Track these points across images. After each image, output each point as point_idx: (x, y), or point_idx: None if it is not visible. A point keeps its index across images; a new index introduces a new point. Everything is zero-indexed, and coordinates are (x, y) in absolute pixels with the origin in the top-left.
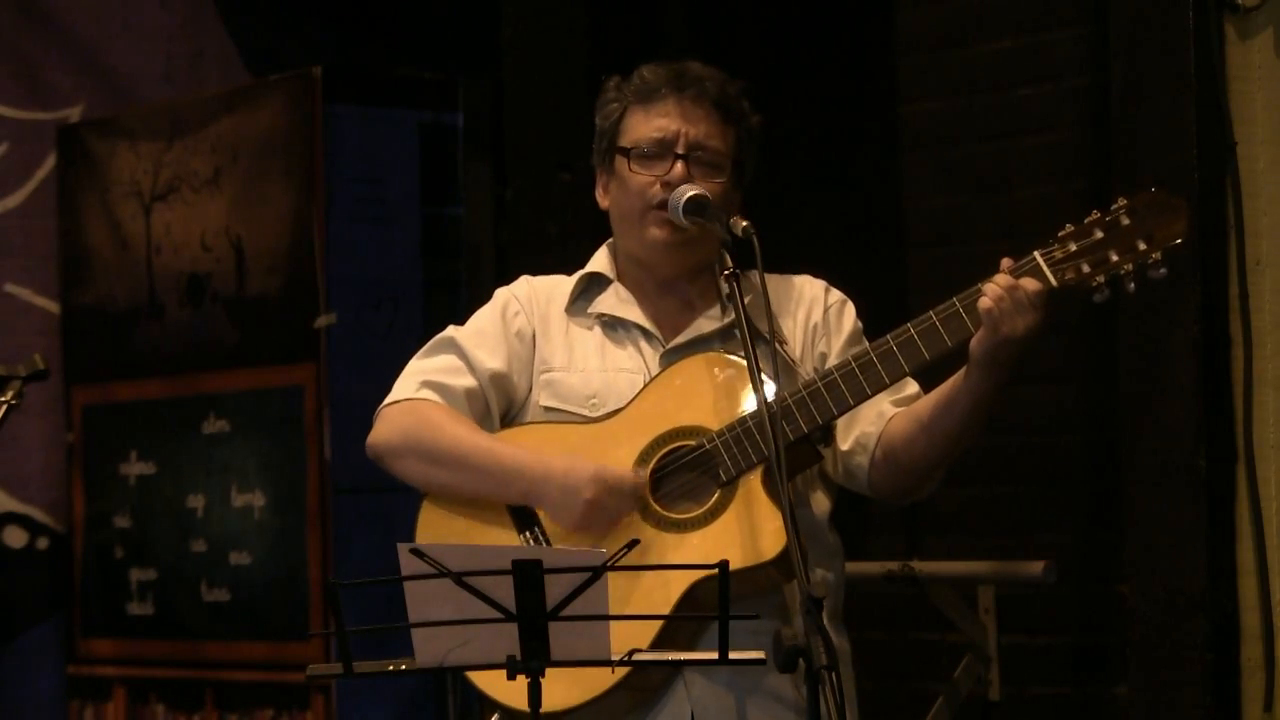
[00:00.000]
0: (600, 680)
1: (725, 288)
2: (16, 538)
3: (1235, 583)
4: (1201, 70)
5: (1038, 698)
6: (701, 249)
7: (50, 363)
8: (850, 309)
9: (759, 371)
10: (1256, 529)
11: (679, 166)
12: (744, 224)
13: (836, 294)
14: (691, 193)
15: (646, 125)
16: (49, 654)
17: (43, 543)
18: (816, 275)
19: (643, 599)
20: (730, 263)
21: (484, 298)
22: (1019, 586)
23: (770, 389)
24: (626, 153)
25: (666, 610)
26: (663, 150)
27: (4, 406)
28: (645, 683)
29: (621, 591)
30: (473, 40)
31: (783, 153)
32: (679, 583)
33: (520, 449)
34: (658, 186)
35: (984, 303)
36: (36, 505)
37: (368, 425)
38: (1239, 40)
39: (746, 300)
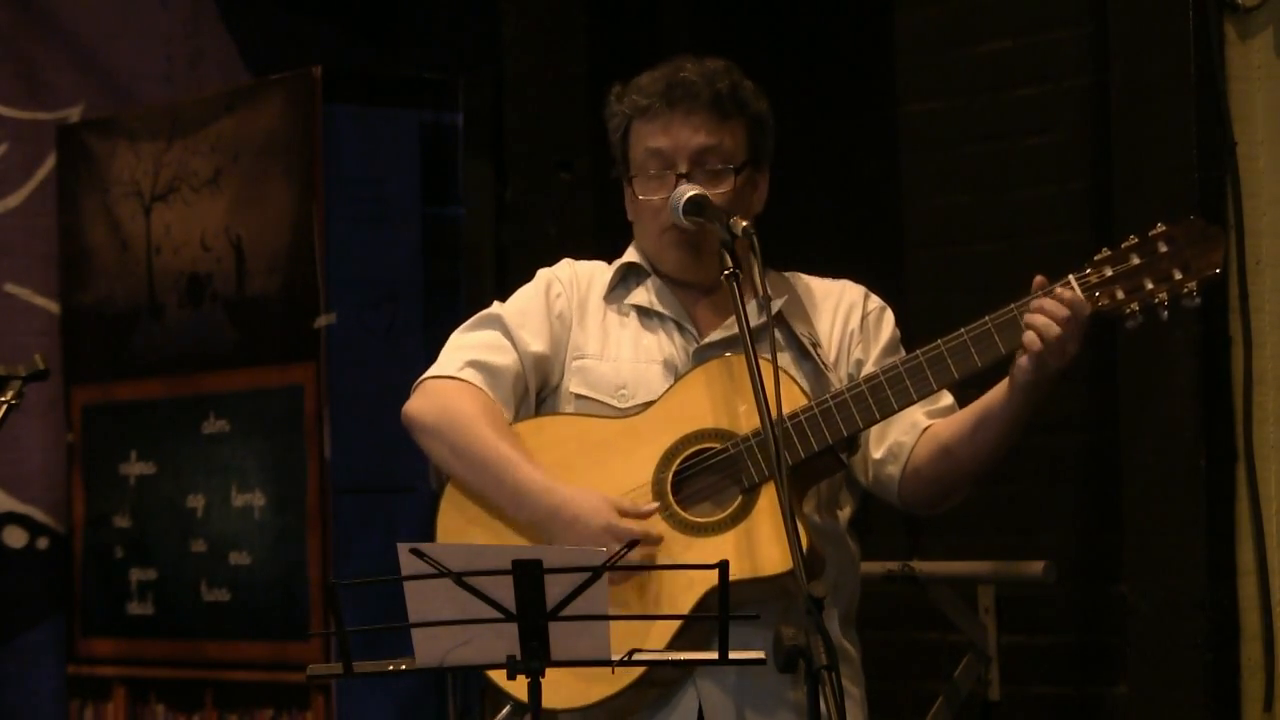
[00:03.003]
0: (616, 679)
1: (726, 285)
2: (16, 538)
3: (1235, 583)
4: (1201, 70)
5: (1038, 698)
6: (708, 254)
7: (50, 363)
8: (889, 316)
9: (759, 376)
10: (1256, 529)
11: (682, 186)
12: (744, 224)
13: (876, 300)
14: (690, 193)
15: (646, 144)
16: (49, 654)
17: (43, 543)
18: (816, 275)
19: (668, 602)
20: (730, 263)
21: (484, 298)
22: (1019, 586)
23: (781, 388)
24: (626, 175)
25: (685, 614)
26: (665, 168)
27: (4, 406)
28: (659, 678)
29: (643, 594)
30: (473, 40)
31: (783, 153)
32: (699, 585)
33: (540, 471)
34: (667, 210)
35: (1029, 336)
36: (36, 505)
37: (368, 425)
38: (1239, 40)
39: (783, 300)
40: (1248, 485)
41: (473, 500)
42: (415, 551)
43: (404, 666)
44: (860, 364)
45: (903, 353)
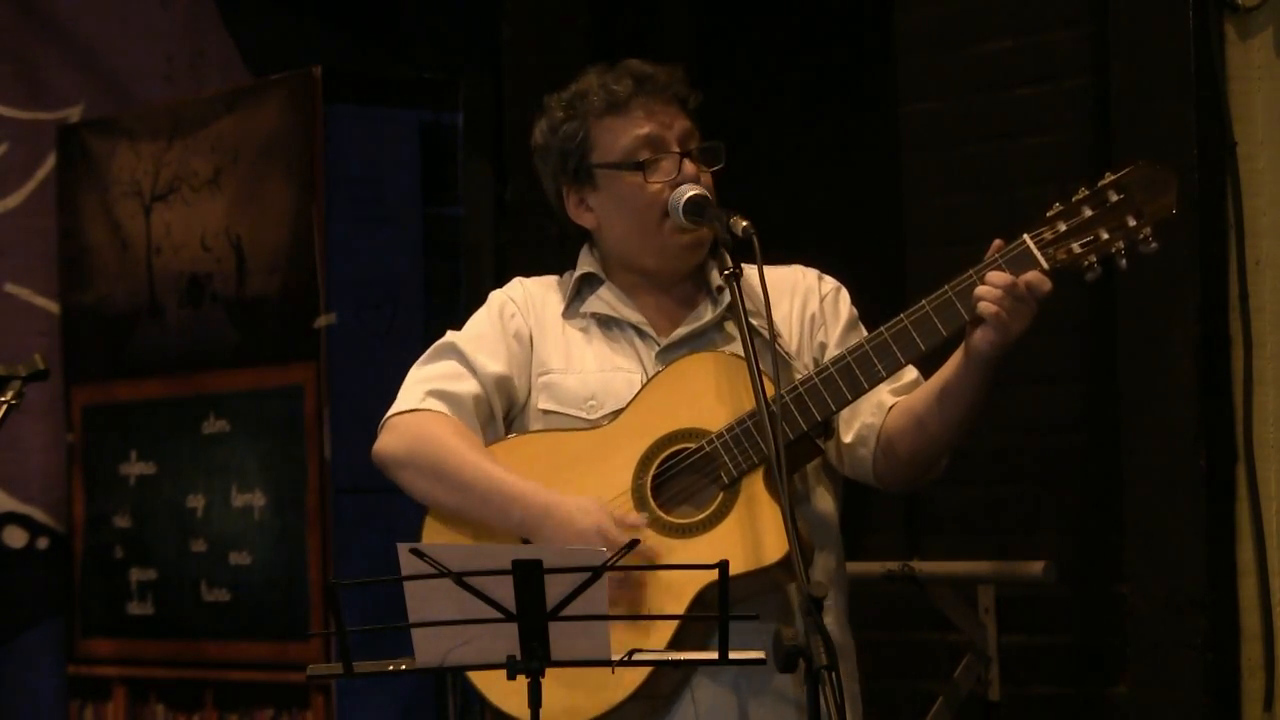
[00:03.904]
0: (614, 691)
1: (724, 286)
2: (16, 538)
3: (1235, 583)
4: (1201, 70)
5: (1038, 698)
6: (706, 246)
7: (50, 363)
8: (845, 296)
9: (759, 370)
10: (1256, 529)
11: (686, 164)
12: (744, 224)
13: (830, 282)
14: (691, 193)
15: (630, 135)
16: (49, 654)
17: (43, 543)
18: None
19: (656, 607)
20: (730, 262)
21: (484, 298)
22: (1019, 586)
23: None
24: (631, 166)
25: (684, 614)
26: (658, 153)
27: (4, 406)
28: (656, 690)
29: (632, 600)
30: (473, 40)
31: (783, 153)
32: (690, 587)
33: (524, 479)
34: (669, 191)
35: (986, 307)
36: (36, 505)
37: (368, 425)
38: (1239, 40)
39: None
40: (1248, 485)
41: (452, 527)
42: (415, 551)
43: (404, 666)
44: (824, 347)
45: (862, 330)
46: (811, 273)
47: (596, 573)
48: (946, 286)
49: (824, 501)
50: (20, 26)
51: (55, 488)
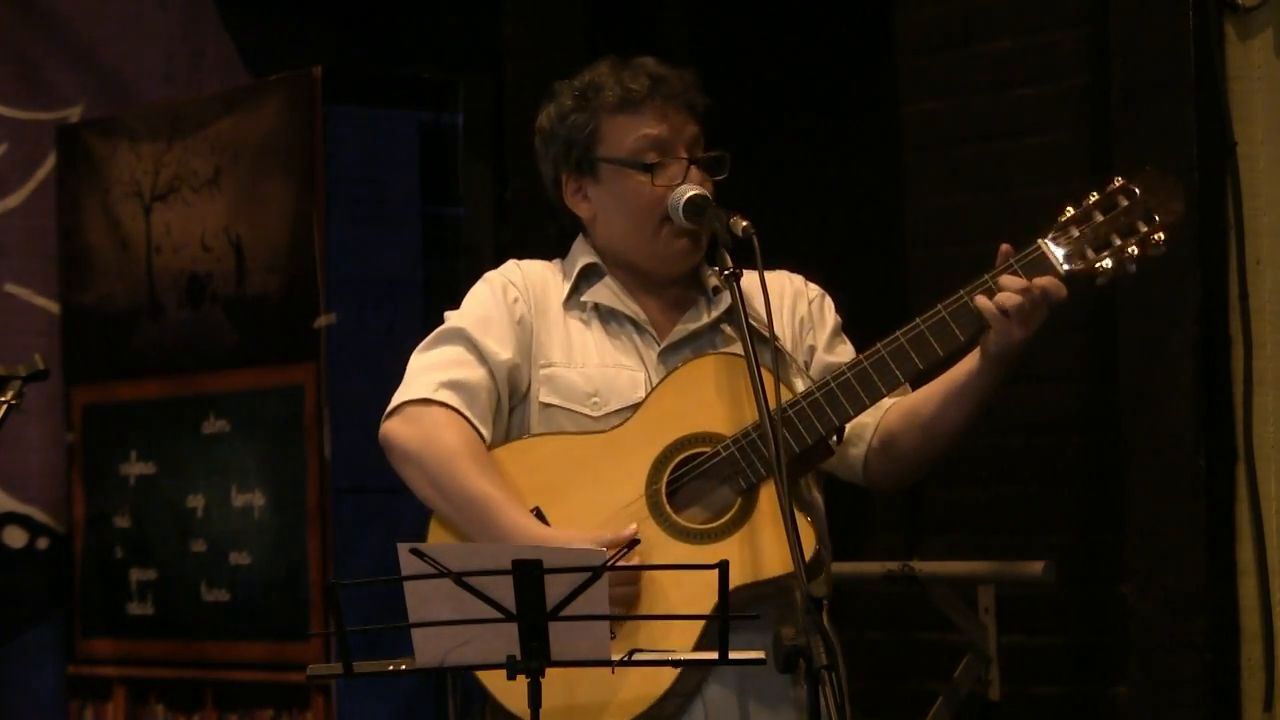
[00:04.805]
0: (641, 699)
1: (722, 288)
2: (16, 538)
3: (1235, 583)
4: (1201, 70)
5: (1038, 698)
6: (701, 251)
7: (50, 363)
8: (830, 302)
9: (759, 373)
10: (1256, 529)
11: (692, 171)
12: (744, 224)
13: (815, 287)
14: (691, 193)
15: (640, 134)
16: (49, 654)
17: (43, 543)
18: (816, 275)
19: (684, 609)
20: (731, 263)
21: None
22: (1019, 586)
23: (773, 388)
24: (638, 166)
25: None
26: (665, 157)
27: (4, 406)
28: (683, 688)
29: (662, 600)
30: (473, 40)
31: (783, 153)
32: (714, 591)
33: (527, 516)
34: (670, 194)
35: (998, 307)
36: (36, 505)
37: (368, 425)
38: (1239, 40)
39: (727, 301)
40: (1248, 485)
41: (455, 537)
42: (415, 551)
43: (404, 666)
44: (813, 350)
45: (844, 337)
46: (798, 278)
47: (596, 573)
48: (961, 292)
49: (821, 503)
50: (20, 26)
51: (55, 488)
